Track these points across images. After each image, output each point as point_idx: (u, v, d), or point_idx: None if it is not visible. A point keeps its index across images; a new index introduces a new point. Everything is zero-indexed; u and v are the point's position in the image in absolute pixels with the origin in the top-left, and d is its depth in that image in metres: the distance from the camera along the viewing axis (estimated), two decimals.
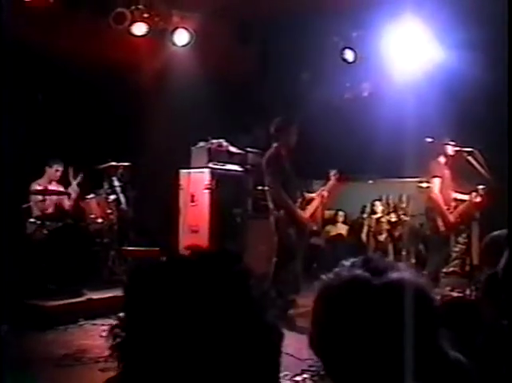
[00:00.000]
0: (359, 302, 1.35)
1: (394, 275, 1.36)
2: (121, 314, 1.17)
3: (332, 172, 7.97)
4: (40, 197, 8.46)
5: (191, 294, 1.13)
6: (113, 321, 1.18)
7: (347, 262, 1.43)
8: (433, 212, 8.25)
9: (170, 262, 1.23)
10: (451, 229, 8.31)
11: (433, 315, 1.37)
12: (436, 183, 8.13)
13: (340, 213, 11.70)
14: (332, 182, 7.95)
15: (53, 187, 8.79)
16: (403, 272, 1.40)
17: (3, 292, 6.11)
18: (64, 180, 8.92)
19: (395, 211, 11.10)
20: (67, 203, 8.90)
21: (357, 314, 1.34)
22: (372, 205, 11.40)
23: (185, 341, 1.10)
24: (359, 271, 1.39)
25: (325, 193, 7.89)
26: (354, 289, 1.37)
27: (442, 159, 8.24)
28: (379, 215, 11.27)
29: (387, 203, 11.36)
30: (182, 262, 1.20)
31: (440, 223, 8.13)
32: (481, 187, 7.91)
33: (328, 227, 11.67)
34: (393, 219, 11.06)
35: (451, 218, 8.13)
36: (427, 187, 8.27)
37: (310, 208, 7.74)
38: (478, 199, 7.99)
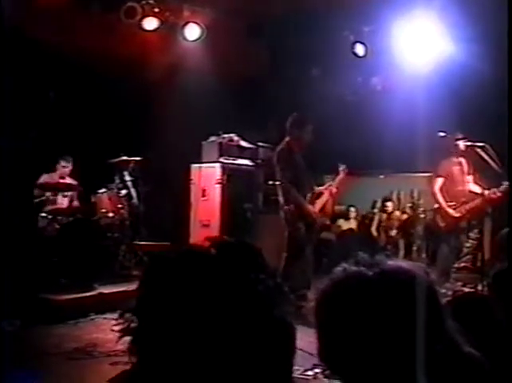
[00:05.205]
0: (358, 295, 1.34)
1: (388, 265, 1.36)
2: (135, 302, 1.17)
3: (342, 167, 7.96)
4: (49, 192, 8.51)
5: (209, 286, 1.13)
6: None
7: (339, 268, 1.42)
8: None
9: (188, 254, 1.22)
10: (452, 224, 8.28)
11: (434, 302, 1.35)
12: (438, 182, 8.30)
13: (352, 209, 11.63)
14: (341, 176, 7.95)
15: (67, 181, 8.80)
16: (397, 262, 1.41)
17: (14, 287, 6.15)
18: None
19: (406, 206, 11.06)
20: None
21: (360, 309, 1.32)
22: (383, 200, 11.34)
23: (199, 333, 1.10)
24: (353, 268, 1.38)
25: (334, 189, 7.90)
26: (351, 284, 1.36)
27: (453, 157, 8.24)
28: (390, 210, 11.23)
29: (398, 198, 11.31)
30: (201, 253, 1.20)
31: (439, 218, 8.29)
32: (505, 184, 7.72)
33: (340, 222, 11.63)
34: (404, 214, 11.02)
35: (454, 213, 8.15)
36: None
37: (320, 202, 7.74)
38: (496, 195, 7.87)
